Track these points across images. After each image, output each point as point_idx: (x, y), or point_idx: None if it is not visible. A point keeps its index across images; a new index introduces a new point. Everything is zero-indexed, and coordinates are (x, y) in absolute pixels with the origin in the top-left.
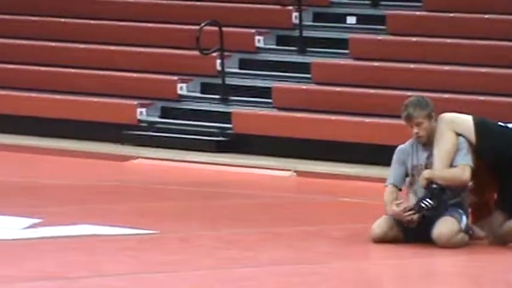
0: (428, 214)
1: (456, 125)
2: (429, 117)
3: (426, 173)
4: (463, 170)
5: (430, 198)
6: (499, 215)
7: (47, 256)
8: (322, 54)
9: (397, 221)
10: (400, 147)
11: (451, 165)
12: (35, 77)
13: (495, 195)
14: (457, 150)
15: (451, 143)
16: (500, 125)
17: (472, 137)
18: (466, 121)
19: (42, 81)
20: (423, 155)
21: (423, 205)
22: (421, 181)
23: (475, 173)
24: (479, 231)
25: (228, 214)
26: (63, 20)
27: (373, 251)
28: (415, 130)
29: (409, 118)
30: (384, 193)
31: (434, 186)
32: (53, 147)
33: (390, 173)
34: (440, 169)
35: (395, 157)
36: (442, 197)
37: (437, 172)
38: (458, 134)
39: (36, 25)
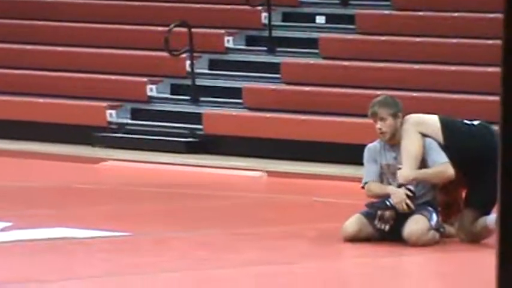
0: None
1: (422, 127)
2: (394, 115)
3: (412, 176)
4: (446, 167)
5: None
6: (470, 212)
7: (17, 259)
8: (291, 54)
9: (369, 219)
10: (368, 145)
11: (428, 166)
12: (3, 79)
13: (463, 194)
14: (426, 150)
15: (417, 145)
16: (466, 123)
17: (440, 136)
18: (432, 121)
19: (10, 84)
20: (391, 155)
21: (388, 203)
22: (403, 180)
23: None
24: (450, 229)
25: (201, 215)
26: (31, 22)
27: (347, 250)
28: (378, 126)
29: (373, 114)
30: (367, 190)
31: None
32: (22, 150)
33: (365, 171)
34: (411, 170)
35: (366, 155)
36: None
37: (422, 172)
38: (424, 135)
39: (6, 28)
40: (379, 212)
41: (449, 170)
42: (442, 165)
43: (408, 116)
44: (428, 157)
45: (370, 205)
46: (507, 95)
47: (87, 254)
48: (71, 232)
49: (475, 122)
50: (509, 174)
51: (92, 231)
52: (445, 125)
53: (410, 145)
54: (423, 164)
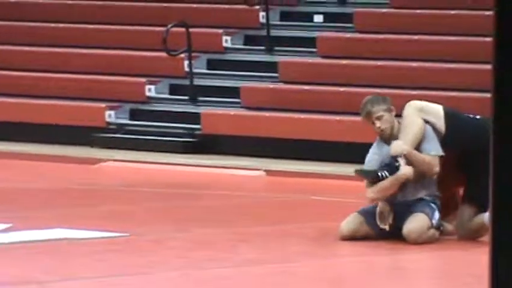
0: (399, 209)
1: (425, 113)
2: (389, 110)
3: (405, 149)
4: (434, 161)
5: (388, 172)
6: (468, 208)
7: (16, 261)
8: (290, 53)
9: (367, 218)
10: (368, 156)
11: (419, 151)
12: (1, 81)
13: (460, 190)
14: (424, 137)
15: (418, 129)
16: (469, 117)
17: (442, 126)
18: (436, 110)
19: (8, 85)
20: (388, 149)
21: (380, 174)
22: (395, 150)
23: (442, 164)
24: (448, 226)
25: (200, 215)
26: (27, 23)
27: (345, 248)
28: (377, 125)
29: (368, 114)
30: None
31: (397, 164)
32: (21, 151)
33: (366, 160)
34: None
35: (371, 150)
36: (395, 173)
37: (415, 153)
38: (425, 122)
39: (3, 29)
40: (378, 210)
41: (436, 166)
42: (432, 158)
43: (411, 102)
44: (421, 144)
45: (361, 171)
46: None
47: (85, 254)
48: (70, 233)
49: (478, 116)
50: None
51: (90, 232)
52: (449, 115)
53: (411, 125)
54: (417, 149)
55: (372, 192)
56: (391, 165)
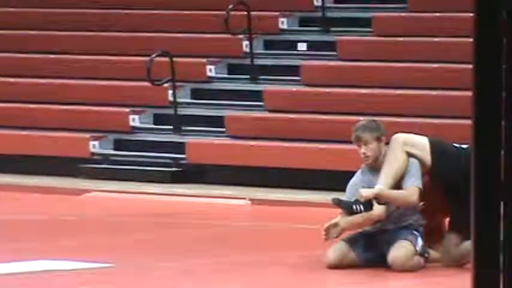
0: (383, 238)
1: (410, 147)
2: (378, 139)
3: (376, 190)
4: (411, 193)
5: (363, 206)
6: (453, 236)
7: None
8: (274, 81)
9: (352, 246)
10: (350, 182)
11: (400, 187)
12: None
13: (446, 220)
14: (406, 172)
15: (401, 164)
16: (455, 146)
17: (428, 157)
18: (422, 143)
19: None
20: (371, 179)
21: (354, 208)
22: (366, 195)
23: (427, 194)
24: (433, 254)
25: (184, 245)
26: (11, 54)
27: (330, 277)
28: (363, 150)
29: (357, 138)
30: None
31: (373, 202)
32: (5, 183)
33: (348, 185)
34: (385, 187)
35: (347, 191)
36: (369, 208)
37: (386, 191)
38: (410, 155)
39: None
40: (332, 222)
41: (413, 197)
42: (409, 189)
43: (397, 135)
44: (403, 178)
45: (337, 201)
46: (478, 120)
47: (70, 286)
48: (54, 264)
49: (464, 146)
50: (484, 198)
51: (75, 263)
52: (434, 146)
53: (394, 160)
54: (400, 183)
55: (344, 223)
56: (368, 204)
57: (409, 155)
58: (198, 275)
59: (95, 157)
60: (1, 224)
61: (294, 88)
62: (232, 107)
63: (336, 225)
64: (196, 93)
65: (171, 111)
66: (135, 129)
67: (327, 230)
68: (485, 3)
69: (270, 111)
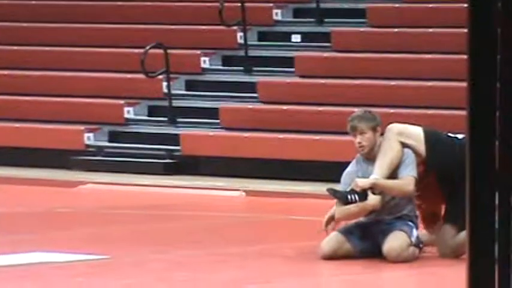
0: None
1: (405, 137)
2: (374, 129)
3: (371, 180)
4: (406, 182)
5: (358, 196)
6: (449, 227)
7: None
8: (268, 73)
9: (347, 237)
10: (345, 171)
11: (395, 177)
12: None
13: (442, 207)
14: (400, 162)
15: (395, 154)
16: (450, 136)
17: (422, 148)
18: (416, 133)
19: None
20: (367, 169)
21: (349, 198)
22: (362, 185)
23: (422, 181)
24: (431, 237)
25: (179, 236)
26: (6, 47)
27: (325, 268)
28: (358, 140)
29: (353, 128)
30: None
31: (368, 192)
32: (0, 175)
33: (343, 175)
34: (380, 177)
35: (342, 181)
36: (364, 198)
37: (381, 181)
38: (405, 146)
39: None
40: (329, 214)
41: (409, 186)
42: (405, 179)
43: (391, 125)
44: (398, 168)
45: (332, 191)
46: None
47: (65, 278)
48: (49, 256)
49: (459, 136)
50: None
51: (70, 255)
52: (429, 137)
53: (389, 150)
54: (395, 173)
55: (339, 213)
56: (363, 195)
57: (404, 145)
58: (193, 266)
59: (90, 149)
60: None
61: (288, 79)
62: (227, 98)
63: (333, 217)
64: (190, 85)
65: (165, 103)
66: (129, 121)
67: (328, 222)
68: None
69: (265, 102)
